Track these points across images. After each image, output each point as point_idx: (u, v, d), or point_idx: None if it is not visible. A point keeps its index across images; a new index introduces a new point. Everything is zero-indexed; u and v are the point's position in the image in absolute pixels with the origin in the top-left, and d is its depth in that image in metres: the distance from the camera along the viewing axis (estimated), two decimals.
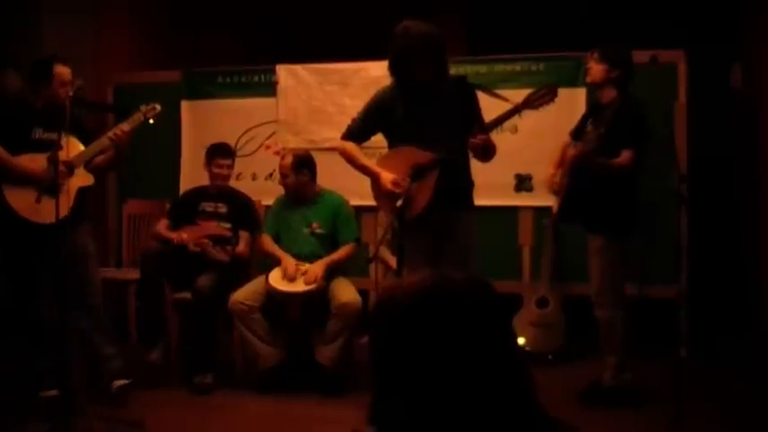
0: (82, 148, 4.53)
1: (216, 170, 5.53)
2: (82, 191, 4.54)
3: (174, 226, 5.46)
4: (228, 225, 5.44)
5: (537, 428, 1.33)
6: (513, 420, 1.30)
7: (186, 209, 5.54)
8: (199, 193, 5.64)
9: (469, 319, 1.33)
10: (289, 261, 5.14)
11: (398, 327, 1.34)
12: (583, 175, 4.44)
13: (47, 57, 4.62)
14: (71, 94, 4.29)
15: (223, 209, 5.51)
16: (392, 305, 1.38)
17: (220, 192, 5.56)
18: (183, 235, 5.27)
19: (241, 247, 5.41)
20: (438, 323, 1.32)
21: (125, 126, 4.58)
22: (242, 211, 5.56)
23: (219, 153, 5.57)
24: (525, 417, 1.32)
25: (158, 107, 4.79)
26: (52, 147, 4.30)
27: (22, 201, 4.36)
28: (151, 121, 4.75)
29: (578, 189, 4.49)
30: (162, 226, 5.50)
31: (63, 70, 4.52)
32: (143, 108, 4.74)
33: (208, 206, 5.51)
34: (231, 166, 5.62)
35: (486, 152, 4.14)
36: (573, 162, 4.50)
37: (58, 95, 4.41)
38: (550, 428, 1.35)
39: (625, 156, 4.38)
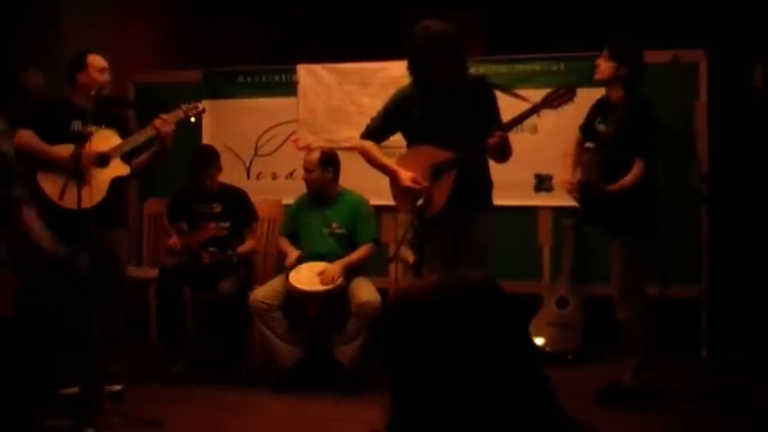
0: (118, 140, 4.64)
1: (201, 173, 5.49)
2: (117, 182, 4.61)
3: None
4: (227, 224, 5.42)
5: (556, 430, 1.33)
6: (531, 422, 1.30)
7: (182, 211, 5.53)
8: (191, 195, 5.59)
9: (487, 319, 1.32)
10: (290, 256, 5.26)
11: (415, 328, 1.33)
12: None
13: (81, 51, 4.76)
14: (93, 92, 4.36)
15: (218, 208, 5.48)
16: (408, 306, 1.37)
17: (212, 193, 5.53)
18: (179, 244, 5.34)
19: (249, 245, 5.46)
20: (455, 324, 1.31)
21: (167, 116, 4.67)
22: (237, 206, 5.55)
23: (207, 164, 5.51)
24: (544, 418, 1.32)
25: (201, 106, 4.84)
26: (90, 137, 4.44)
27: (52, 187, 4.50)
28: (192, 119, 4.80)
29: (595, 197, 4.46)
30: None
31: (97, 59, 4.69)
32: (183, 106, 4.79)
33: (202, 207, 5.48)
34: (219, 168, 5.59)
35: (503, 152, 4.14)
36: (580, 187, 4.47)
37: (95, 84, 4.53)
38: (569, 430, 1.35)
39: (636, 169, 4.34)
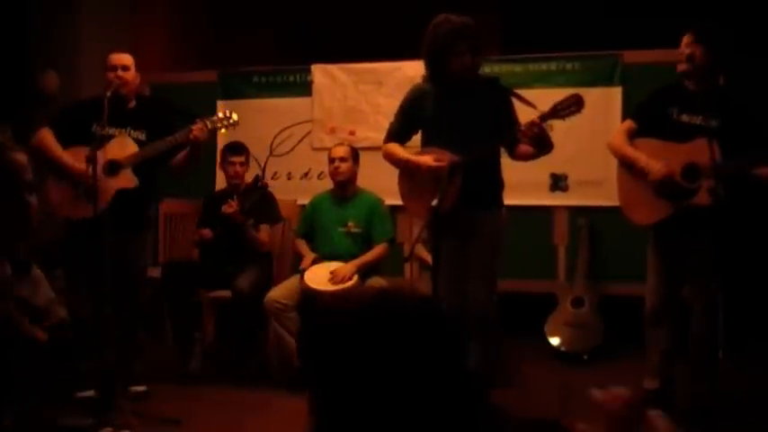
0: (134, 148, 4.53)
1: (228, 168, 5.52)
2: (123, 192, 4.48)
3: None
4: (251, 221, 5.38)
5: None
6: None
7: (212, 216, 5.51)
8: (219, 199, 5.57)
9: (411, 339, 1.28)
10: (306, 259, 5.28)
11: (336, 338, 1.30)
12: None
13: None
14: (108, 93, 4.33)
15: (246, 205, 5.48)
16: (332, 315, 1.35)
17: (238, 194, 5.50)
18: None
19: (262, 236, 5.45)
20: (377, 344, 1.27)
21: (209, 124, 4.63)
22: (260, 204, 5.53)
23: (230, 151, 5.55)
24: None
25: (235, 117, 4.78)
26: (108, 141, 4.44)
27: (60, 196, 4.47)
28: (223, 131, 4.78)
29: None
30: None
31: (109, 57, 4.62)
32: (220, 115, 4.75)
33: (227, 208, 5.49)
34: (244, 163, 5.57)
35: (543, 143, 4.05)
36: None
37: (110, 83, 4.48)
38: None
39: None
